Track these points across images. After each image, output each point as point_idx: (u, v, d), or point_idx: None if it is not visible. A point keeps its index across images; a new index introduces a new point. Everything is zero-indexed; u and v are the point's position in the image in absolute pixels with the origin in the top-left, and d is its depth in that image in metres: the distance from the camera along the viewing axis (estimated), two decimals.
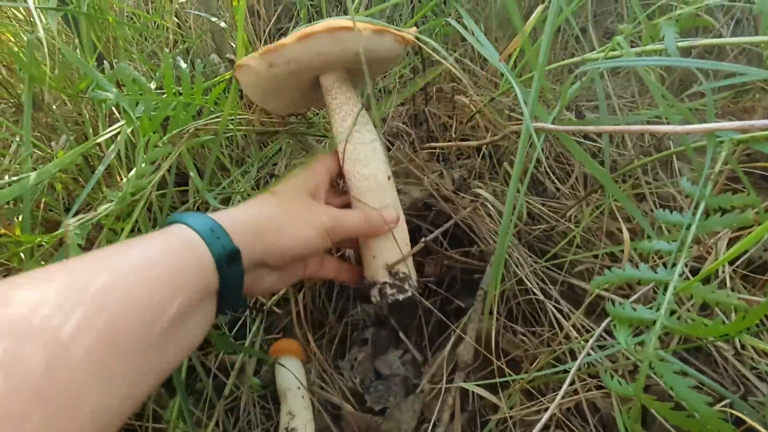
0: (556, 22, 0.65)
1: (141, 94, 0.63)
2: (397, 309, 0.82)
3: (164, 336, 0.36)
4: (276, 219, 0.49)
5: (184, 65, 0.65)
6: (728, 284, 0.60)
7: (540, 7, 0.63)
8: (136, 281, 0.35)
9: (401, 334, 0.82)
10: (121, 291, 0.34)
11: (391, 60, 0.65)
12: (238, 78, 0.61)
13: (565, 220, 0.77)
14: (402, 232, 0.61)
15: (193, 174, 0.64)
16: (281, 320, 0.83)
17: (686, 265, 0.43)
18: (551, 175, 0.85)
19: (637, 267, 0.43)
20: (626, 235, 0.48)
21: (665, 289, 0.41)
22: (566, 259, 0.64)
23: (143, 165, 0.55)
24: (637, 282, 0.43)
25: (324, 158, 0.60)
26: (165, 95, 0.64)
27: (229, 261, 0.42)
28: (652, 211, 0.85)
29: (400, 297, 0.60)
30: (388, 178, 0.61)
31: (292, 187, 0.54)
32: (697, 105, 0.70)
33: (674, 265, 0.42)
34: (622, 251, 0.71)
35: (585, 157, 0.48)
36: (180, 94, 0.66)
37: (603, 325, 0.45)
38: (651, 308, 0.41)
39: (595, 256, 0.70)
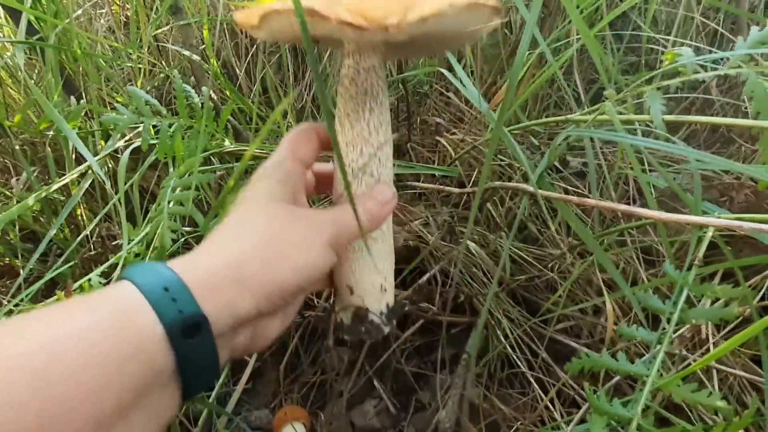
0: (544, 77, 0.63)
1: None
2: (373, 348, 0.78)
3: None
4: (262, 248, 0.35)
5: (190, 89, 0.63)
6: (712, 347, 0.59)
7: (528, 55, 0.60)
8: (28, 389, 0.24)
9: (376, 382, 0.79)
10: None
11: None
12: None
13: (549, 270, 0.76)
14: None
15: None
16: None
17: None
18: (535, 220, 0.84)
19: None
20: (610, 318, 0.46)
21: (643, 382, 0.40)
22: (553, 314, 0.62)
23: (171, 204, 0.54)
24: (614, 371, 0.41)
25: (290, 142, 0.42)
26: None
27: (188, 331, 0.30)
28: (632, 258, 0.84)
29: (387, 330, 0.46)
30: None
31: (265, 194, 0.39)
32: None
33: (654, 357, 0.40)
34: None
35: (583, 230, 0.47)
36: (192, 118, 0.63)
37: (581, 412, 0.44)
38: (629, 403, 0.39)
39: (582, 311, 0.69)
